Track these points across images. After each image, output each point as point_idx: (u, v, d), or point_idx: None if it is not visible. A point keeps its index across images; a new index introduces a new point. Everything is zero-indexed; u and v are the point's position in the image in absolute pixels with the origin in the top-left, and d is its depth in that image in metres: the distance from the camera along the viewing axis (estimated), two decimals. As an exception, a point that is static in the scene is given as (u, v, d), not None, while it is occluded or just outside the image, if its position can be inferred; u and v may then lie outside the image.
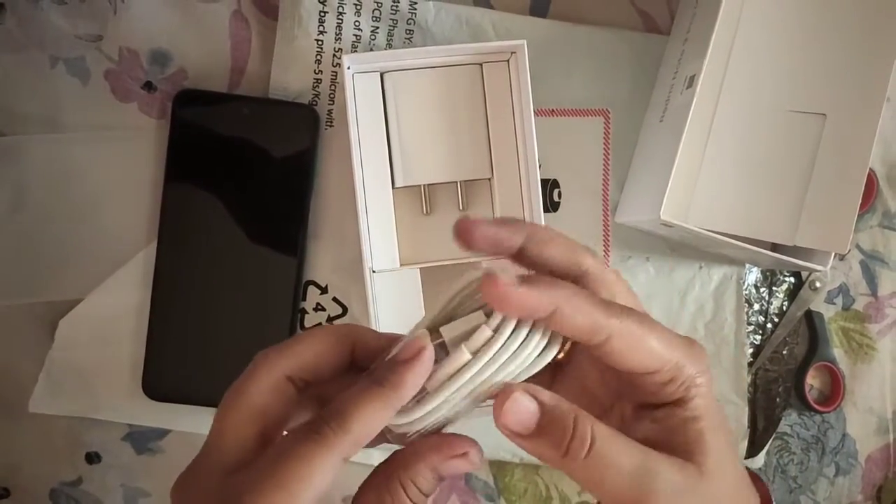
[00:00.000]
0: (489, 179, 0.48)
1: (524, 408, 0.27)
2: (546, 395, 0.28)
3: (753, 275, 0.53)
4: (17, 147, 0.50)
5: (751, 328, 0.53)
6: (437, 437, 0.28)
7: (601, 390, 0.31)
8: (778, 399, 0.54)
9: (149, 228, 0.50)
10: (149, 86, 0.50)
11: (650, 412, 0.30)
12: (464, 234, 0.29)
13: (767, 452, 0.54)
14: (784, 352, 0.54)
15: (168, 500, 0.27)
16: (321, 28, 0.49)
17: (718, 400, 0.52)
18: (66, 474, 0.52)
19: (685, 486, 0.28)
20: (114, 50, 0.50)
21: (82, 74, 0.50)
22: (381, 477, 0.28)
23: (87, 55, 0.50)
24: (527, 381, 0.28)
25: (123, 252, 0.50)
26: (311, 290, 0.50)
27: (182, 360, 0.48)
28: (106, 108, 0.50)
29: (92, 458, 0.52)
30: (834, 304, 0.55)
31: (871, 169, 0.53)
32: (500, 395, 0.27)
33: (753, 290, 0.53)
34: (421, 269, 0.47)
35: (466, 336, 0.27)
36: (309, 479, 0.25)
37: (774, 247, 0.49)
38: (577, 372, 0.31)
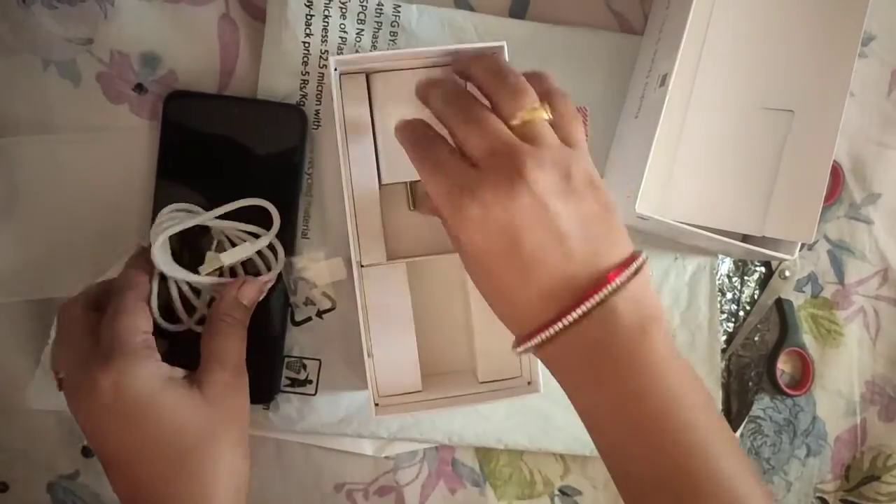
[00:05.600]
0: (472, 176, 0.49)
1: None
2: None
3: (726, 265, 0.55)
4: (9, 149, 0.50)
5: (724, 316, 0.55)
6: None
7: None
8: (751, 384, 0.56)
9: (141, 227, 0.50)
10: (140, 87, 0.51)
11: None
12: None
13: (741, 435, 0.56)
14: (756, 338, 0.56)
15: None
16: (308, 31, 0.50)
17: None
18: (63, 468, 0.53)
19: None
20: (105, 52, 0.50)
21: (74, 77, 0.50)
22: None
23: (79, 58, 0.50)
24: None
25: (117, 251, 0.50)
26: (301, 284, 0.51)
27: (175, 353, 0.49)
28: (97, 109, 0.50)
29: (88, 451, 0.53)
30: (803, 292, 0.57)
31: (837, 162, 0.56)
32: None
33: (726, 280, 0.55)
34: (407, 262, 0.48)
35: None
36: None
37: (745, 237, 0.51)
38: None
